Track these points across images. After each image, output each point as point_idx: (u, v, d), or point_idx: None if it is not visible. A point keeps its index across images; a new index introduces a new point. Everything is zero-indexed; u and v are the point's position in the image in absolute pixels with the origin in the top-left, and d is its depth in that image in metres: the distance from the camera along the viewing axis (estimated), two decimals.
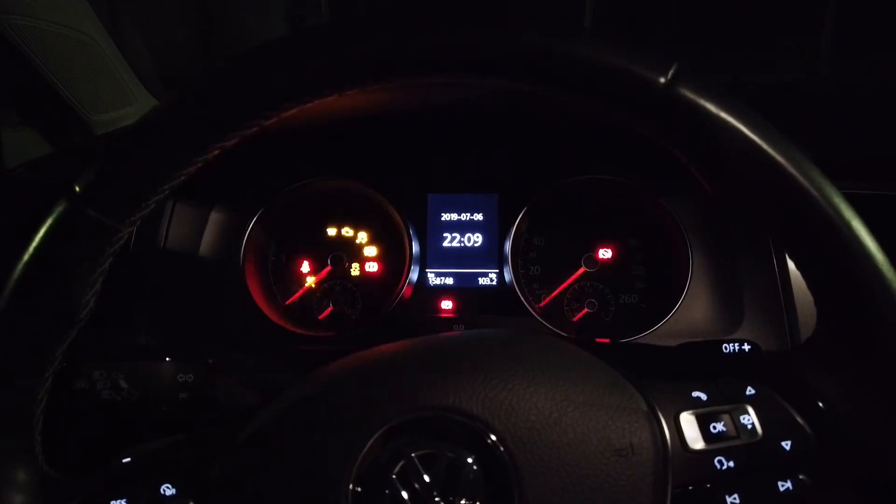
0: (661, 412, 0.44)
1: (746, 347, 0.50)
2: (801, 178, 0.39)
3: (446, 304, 1.01)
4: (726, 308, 0.91)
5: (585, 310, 1.01)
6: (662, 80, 0.38)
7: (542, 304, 1.01)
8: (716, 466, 0.43)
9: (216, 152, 0.43)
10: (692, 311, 0.92)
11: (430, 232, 1.02)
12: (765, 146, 0.39)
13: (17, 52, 0.92)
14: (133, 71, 1.17)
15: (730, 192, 0.41)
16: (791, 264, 0.88)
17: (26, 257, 0.41)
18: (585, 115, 0.85)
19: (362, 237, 1.04)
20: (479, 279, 1.01)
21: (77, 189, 0.41)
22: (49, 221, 0.41)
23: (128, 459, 0.48)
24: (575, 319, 1.01)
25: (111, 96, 1.13)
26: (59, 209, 0.41)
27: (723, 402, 0.45)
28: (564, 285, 1.01)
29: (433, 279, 1.01)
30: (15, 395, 0.43)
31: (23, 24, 0.90)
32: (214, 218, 0.98)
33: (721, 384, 0.46)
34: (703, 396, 0.46)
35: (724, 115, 0.39)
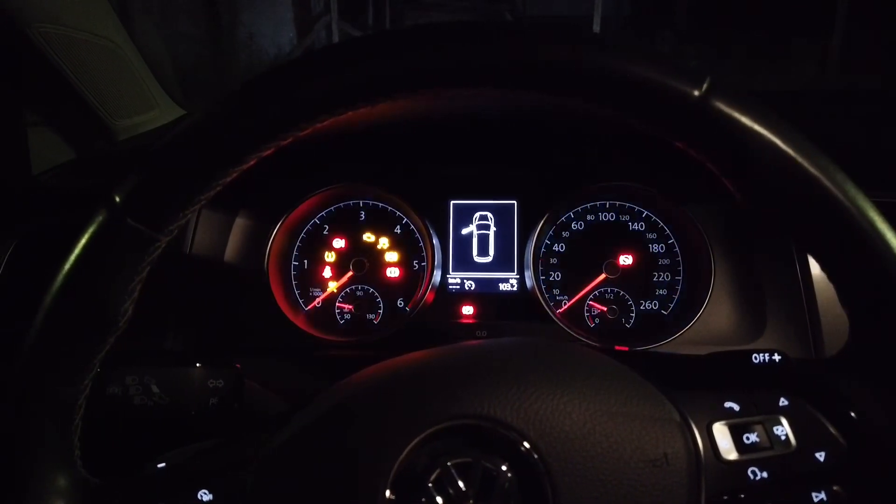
0: (694, 423, 0.44)
1: (777, 358, 0.50)
2: (835, 191, 0.39)
3: (467, 310, 1.01)
4: (749, 315, 0.91)
5: (606, 316, 1.01)
6: (696, 92, 0.38)
7: (563, 309, 1.01)
8: (749, 477, 0.43)
9: (252, 162, 0.43)
10: (715, 318, 0.92)
11: (452, 238, 1.03)
12: (799, 159, 0.39)
13: (45, 58, 0.93)
14: (154, 76, 1.19)
15: (763, 205, 0.41)
16: (815, 270, 0.87)
17: (67, 266, 0.42)
18: (608, 122, 0.86)
19: (384, 243, 1.04)
20: (500, 285, 1.02)
21: (117, 199, 0.42)
22: (89, 231, 0.42)
23: (163, 465, 0.48)
24: (594, 326, 1.01)
25: (134, 101, 1.15)
26: (99, 219, 0.42)
27: (756, 413, 0.45)
28: (585, 291, 1.01)
29: (455, 285, 1.02)
30: (55, 403, 0.43)
31: (51, 32, 0.92)
32: (239, 224, 0.99)
33: (754, 395, 0.46)
34: (736, 407, 0.46)
35: (758, 127, 0.39)
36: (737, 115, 0.39)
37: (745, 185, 0.41)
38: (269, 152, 0.43)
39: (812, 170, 0.39)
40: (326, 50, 0.41)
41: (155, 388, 0.61)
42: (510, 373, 0.45)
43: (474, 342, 0.50)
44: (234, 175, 0.43)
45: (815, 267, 0.86)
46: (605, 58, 0.39)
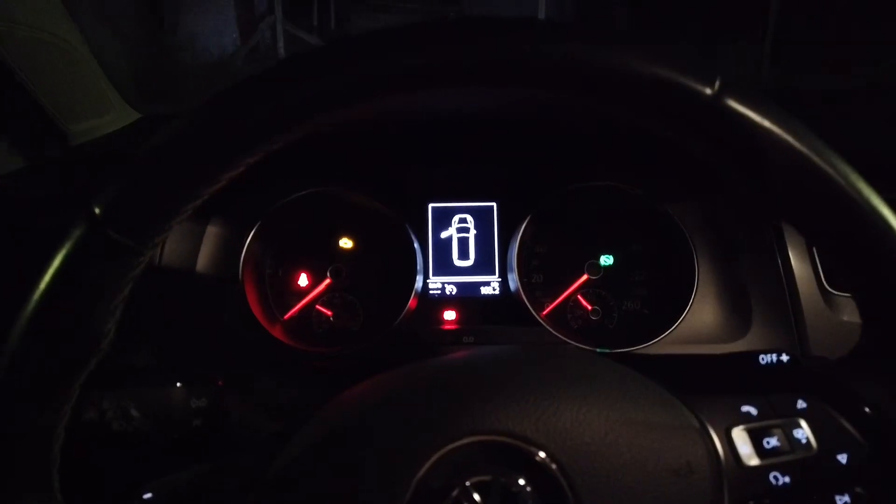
0: (713, 429, 0.43)
1: (785, 358, 0.50)
2: (848, 189, 0.38)
3: (450, 315, 0.99)
4: (733, 313, 0.92)
5: (589, 317, 1.00)
6: (709, 91, 0.37)
7: (546, 311, 1.00)
8: (771, 482, 0.42)
9: (242, 168, 0.41)
10: (699, 317, 0.92)
11: (432, 241, 1.00)
12: (813, 157, 0.38)
13: None
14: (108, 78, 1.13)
15: (777, 204, 0.41)
16: (797, 268, 0.88)
17: (43, 285, 0.38)
18: (589, 122, 0.85)
19: (362, 248, 1.01)
20: (482, 288, 1.00)
21: (96, 211, 0.38)
22: (67, 245, 0.38)
23: (150, 495, 0.45)
24: (578, 327, 1.00)
25: (89, 104, 1.09)
26: (77, 232, 0.38)
27: (774, 417, 0.44)
28: (568, 293, 1.00)
29: (435, 289, 1.00)
30: (33, 432, 0.40)
31: (1, 30, 0.86)
32: (211, 232, 0.94)
33: (770, 398, 0.46)
34: (753, 411, 0.45)
35: (771, 125, 0.38)
36: (750, 112, 0.38)
37: (758, 184, 0.40)
38: (258, 158, 0.41)
39: (826, 168, 0.38)
40: (322, 49, 0.39)
41: (134, 412, 0.56)
42: (527, 385, 0.43)
43: (485, 352, 0.48)
44: (223, 182, 0.41)
45: (797, 264, 0.87)
46: (618, 56, 0.38)
